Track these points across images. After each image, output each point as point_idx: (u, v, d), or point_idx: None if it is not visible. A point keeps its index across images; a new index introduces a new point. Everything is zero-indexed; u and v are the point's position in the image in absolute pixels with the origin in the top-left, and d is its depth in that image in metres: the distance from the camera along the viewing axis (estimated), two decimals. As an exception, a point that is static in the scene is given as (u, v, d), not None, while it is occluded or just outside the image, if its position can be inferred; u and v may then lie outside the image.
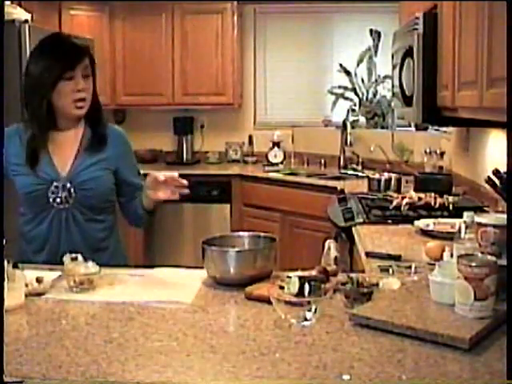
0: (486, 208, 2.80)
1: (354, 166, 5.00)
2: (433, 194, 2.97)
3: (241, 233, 2.04)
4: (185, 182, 1.96)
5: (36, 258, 2.10)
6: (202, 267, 1.86)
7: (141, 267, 2.04)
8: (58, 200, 2.07)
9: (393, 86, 3.39)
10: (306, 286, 1.51)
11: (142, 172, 2.25)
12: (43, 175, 2.07)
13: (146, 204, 2.11)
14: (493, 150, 2.98)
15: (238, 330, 1.47)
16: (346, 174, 4.88)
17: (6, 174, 2.11)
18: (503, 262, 1.50)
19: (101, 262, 1.99)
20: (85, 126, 2.14)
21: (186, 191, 1.97)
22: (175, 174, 1.98)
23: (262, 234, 1.97)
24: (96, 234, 2.14)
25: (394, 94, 3.40)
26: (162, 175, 1.98)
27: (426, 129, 4.59)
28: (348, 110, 5.21)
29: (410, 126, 4.84)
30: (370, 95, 5.35)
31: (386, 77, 5.07)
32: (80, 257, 1.83)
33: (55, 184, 2.06)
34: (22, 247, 2.17)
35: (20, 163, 2.08)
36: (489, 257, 1.51)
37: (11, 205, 2.13)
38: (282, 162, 5.39)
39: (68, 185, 2.06)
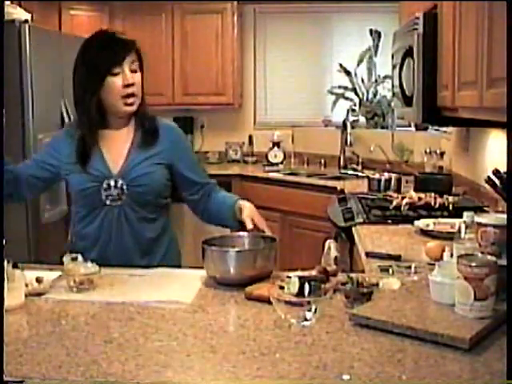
0: (486, 208, 2.79)
1: (354, 166, 5.00)
2: (433, 194, 2.96)
3: (241, 233, 2.03)
4: (268, 232, 1.98)
5: (86, 256, 2.07)
6: (202, 267, 1.86)
7: (141, 267, 2.03)
8: (111, 197, 2.05)
9: (393, 86, 3.39)
10: (306, 286, 1.51)
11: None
12: (95, 173, 2.05)
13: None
14: (493, 150, 2.98)
15: (238, 330, 1.48)
16: (346, 173, 4.88)
17: (57, 175, 2.12)
18: (503, 262, 1.51)
19: (151, 262, 2.01)
20: (136, 123, 2.11)
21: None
22: (264, 228, 1.98)
23: (263, 234, 1.96)
24: (147, 233, 2.10)
25: (394, 94, 3.40)
26: (250, 224, 1.98)
27: (426, 129, 4.59)
28: (348, 110, 5.21)
29: (409, 126, 4.85)
30: (370, 95, 5.35)
31: (386, 77, 5.07)
32: (80, 257, 1.83)
33: (107, 181, 2.04)
34: (74, 244, 2.15)
35: (72, 162, 2.06)
36: (489, 257, 1.51)
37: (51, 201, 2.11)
38: (282, 162, 5.39)
39: (120, 181, 2.04)
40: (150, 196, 2.09)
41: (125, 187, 2.05)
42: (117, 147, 2.09)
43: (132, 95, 2.04)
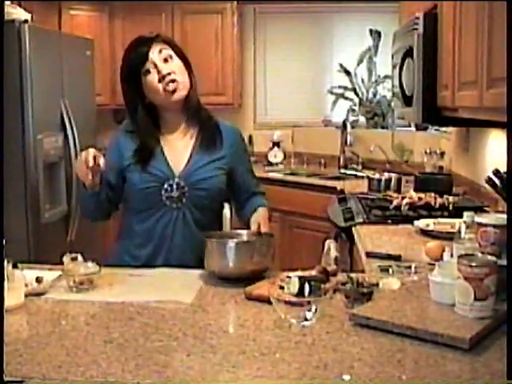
0: (486, 208, 2.80)
1: (354, 165, 5.00)
2: (433, 194, 2.97)
3: (239, 230, 2.02)
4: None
5: (136, 253, 2.08)
6: (202, 267, 1.86)
7: (141, 267, 2.03)
8: (171, 199, 2.03)
9: (393, 86, 3.39)
10: (306, 286, 1.51)
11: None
12: (157, 173, 2.03)
13: None
14: (493, 149, 2.98)
15: (238, 330, 1.47)
16: (346, 174, 4.88)
17: (119, 174, 2.07)
18: (503, 262, 1.50)
19: (201, 264, 1.94)
20: (197, 125, 2.09)
21: None
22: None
23: (261, 231, 1.97)
24: (201, 237, 1.97)
25: (394, 94, 3.40)
26: (253, 227, 2.00)
27: (425, 129, 4.59)
28: (348, 110, 5.21)
29: (409, 126, 4.85)
30: (370, 95, 5.35)
31: (386, 77, 5.07)
32: (80, 257, 1.82)
33: (169, 182, 2.02)
34: (124, 240, 2.13)
35: (134, 162, 2.04)
36: (489, 257, 1.51)
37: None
38: (281, 162, 5.39)
39: (182, 183, 2.03)
40: (209, 200, 2.08)
41: (186, 189, 2.03)
42: (179, 149, 2.08)
43: (173, 81, 2.00)
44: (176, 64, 2.03)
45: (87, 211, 2.13)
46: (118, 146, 2.10)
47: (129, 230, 2.12)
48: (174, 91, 2.01)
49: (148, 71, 2.00)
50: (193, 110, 2.09)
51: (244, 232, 2.00)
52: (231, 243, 1.81)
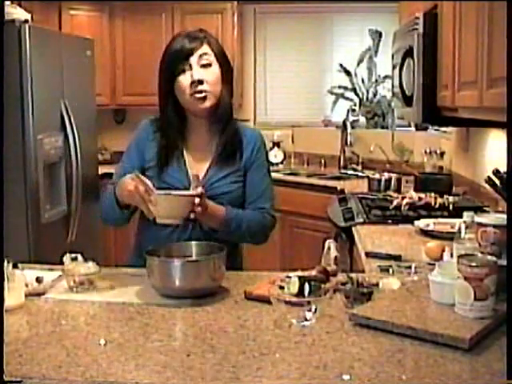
0: (486, 208, 2.80)
1: (354, 166, 5.01)
2: (433, 194, 2.97)
3: (189, 242, 1.87)
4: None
5: None
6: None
7: (141, 267, 2.03)
8: None
9: (393, 86, 3.39)
10: (306, 286, 1.51)
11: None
12: (175, 183, 1.93)
13: None
14: (493, 149, 2.98)
15: (238, 330, 1.47)
16: (346, 174, 4.88)
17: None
18: (503, 262, 1.50)
19: None
20: (221, 137, 1.98)
21: None
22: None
23: (211, 243, 1.81)
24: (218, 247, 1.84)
25: (393, 94, 3.40)
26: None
27: (425, 129, 4.59)
28: (348, 110, 5.21)
29: (409, 126, 4.85)
30: (370, 95, 5.35)
31: (386, 77, 5.07)
32: (80, 257, 1.82)
33: None
34: (142, 247, 1.95)
35: (153, 165, 1.97)
36: (489, 257, 1.51)
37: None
38: (282, 162, 5.39)
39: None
40: None
41: None
42: (199, 157, 1.98)
43: (201, 90, 1.90)
44: (212, 72, 1.93)
45: (111, 220, 2.00)
46: (139, 145, 2.03)
47: (145, 236, 2.03)
48: (201, 99, 1.92)
49: (183, 71, 1.92)
50: (220, 120, 1.98)
51: (193, 243, 1.84)
52: (176, 262, 1.67)
